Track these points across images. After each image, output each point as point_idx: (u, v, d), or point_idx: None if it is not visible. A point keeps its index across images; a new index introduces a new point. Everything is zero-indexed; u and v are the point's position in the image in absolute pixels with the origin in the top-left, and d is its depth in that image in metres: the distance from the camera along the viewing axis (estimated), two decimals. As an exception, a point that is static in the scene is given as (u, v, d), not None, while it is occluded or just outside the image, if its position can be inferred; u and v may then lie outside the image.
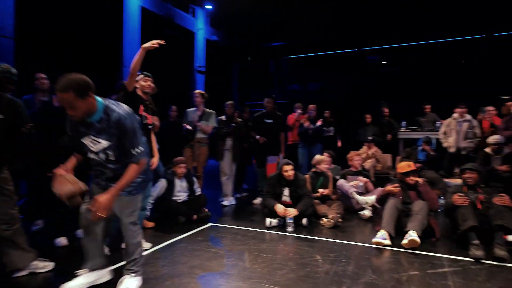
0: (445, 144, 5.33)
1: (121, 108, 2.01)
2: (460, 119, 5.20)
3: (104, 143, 1.99)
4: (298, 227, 3.84)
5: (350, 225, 4.05)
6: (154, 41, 2.78)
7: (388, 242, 3.09)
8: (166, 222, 3.96)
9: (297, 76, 13.47)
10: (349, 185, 4.48)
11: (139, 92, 3.11)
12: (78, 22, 6.81)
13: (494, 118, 5.52)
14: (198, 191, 4.27)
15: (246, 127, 5.40)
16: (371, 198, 4.22)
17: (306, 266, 2.74)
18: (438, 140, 5.69)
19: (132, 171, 2.03)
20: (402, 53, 11.13)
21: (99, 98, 1.99)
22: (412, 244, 2.99)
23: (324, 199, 4.40)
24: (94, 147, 2.02)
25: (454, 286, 2.40)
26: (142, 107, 3.07)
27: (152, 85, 3.15)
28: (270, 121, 4.96)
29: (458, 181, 4.73)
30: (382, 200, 3.58)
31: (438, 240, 3.35)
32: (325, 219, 3.94)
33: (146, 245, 3.16)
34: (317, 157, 4.71)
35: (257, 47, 13.02)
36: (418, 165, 5.47)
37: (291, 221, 3.75)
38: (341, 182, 4.50)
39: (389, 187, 3.51)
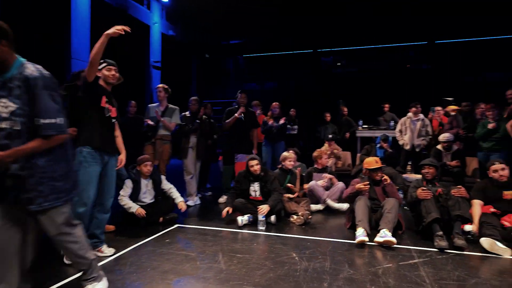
0: (401, 142, 5.64)
1: (39, 70, 1.72)
2: (414, 118, 5.53)
3: (12, 106, 1.68)
4: (266, 224, 3.77)
5: (318, 221, 4.08)
6: (118, 27, 2.52)
7: (367, 238, 3.15)
8: (128, 224, 3.68)
9: (255, 75, 13.49)
10: (322, 190, 4.54)
11: (101, 82, 2.82)
12: (21, 9, 6.10)
13: (442, 117, 5.97)
14: (169, 187, 4.00)
15: (210, 124, 5.24)
16: (345, 206, 4.33)
17: (284, 265, 2.68)
18: (394, 137, 6.00)
19: (35, 143, 1.68)
20: (356, 56, 11.64)
21: (20, 57, 1.75)
22: (388, 244, 3.06)
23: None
24: (5, 111, 1.68)
25: (426, 276, 2.49)
26: (104, 99, 2.78)
27: (117, 74, 2.87)
28: (242, 117, 4.81)
29: (414, 176, 5.04)
30: (351, 197, 3.62)
31: (403, 232, 3.50)
32: (295, 216, 3.93)
33: (108, 250, 2.89)
34: (283, 154, 4.71)
35: (215, 44, 12.81)
36: (378, 162, 5.75)
37: (264, 218, 3.68)
38: (313, 186, 4.52)
39: (360, 185, 3.57)
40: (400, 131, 5.64)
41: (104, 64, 2.78)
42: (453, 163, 4.99)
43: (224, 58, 13.59)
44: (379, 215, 3.39)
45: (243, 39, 12.54)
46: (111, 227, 3.52)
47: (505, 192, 3.52)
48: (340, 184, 4.66)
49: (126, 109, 5.28)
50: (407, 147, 5.51)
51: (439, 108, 5.90)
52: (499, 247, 2.93)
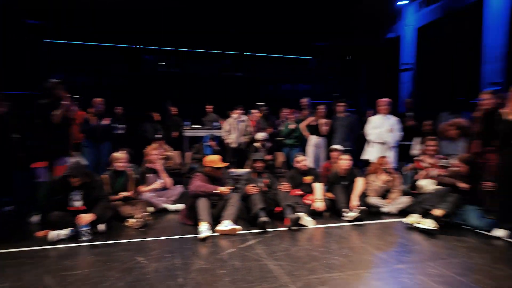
0: (227, 140, 6.22)
1: None
2: (238, 119, 6.23)
3: None
4: (99, 234, 3.40)
5: (158, 221, 3.99)
6: None
7: (211, 231, 3.32)
8: None
9: (64, 65, 11.52)
10: (156, 199, 4.43)
11: None
12: None
13: (258, 119, 6.97)
14: None
15: (11, 121, 4.18)
16: (180, 206, 4.38)
17: (131, 271, 2.51)
18: (221, 136, 6.54)
19: None
20: (178, 57, 11.85)
21: None
22: (233, 232, 3.38)
23: (126, 199, 4.10)
24: None
25: (262, 252, 2.92)
26: None
27: None
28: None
29: (239, 170, 5.67)
30: (202, 195, 3.68)
31: (237, 221, 3.90)
32: (132, 220, 3.70)
33: None
34: (114, 155, 4.35)
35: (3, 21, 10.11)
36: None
37: (86, 228, 3.27)
38: (147, 196, 4.33)
39: (251, 189, 3.85)
40: (228, 131, 6.23)
41: None
42: (268, 157, 5.94)
43: (22, 40, 10.95)
44: (219, 208, 3.66)
45: (46, 21, 10.46)
46: None
47: (305, 178, 4.53)
48: (178, 189, 4.72)
49: None
50: (234, 145, 6.15)
51: (255, 111, 6.88)
52: (307, 220, 3.75)
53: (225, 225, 3.39)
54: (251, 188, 3.90)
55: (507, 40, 7.04)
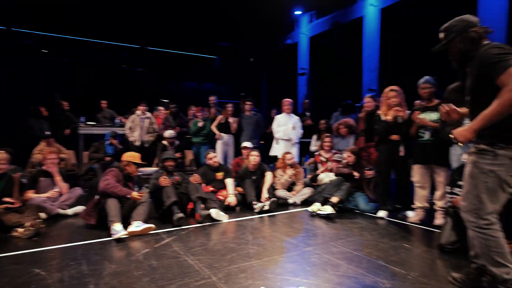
0: (131, 138, 5.82)
1: None
2: (142, 116, 5.89)
3: None
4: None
5: (54, 228, 3.51)
6: None
7: (126, 231, 3.10)
8: None
9: None
10: (49, 203, 3.90)
11: None
12: None
13: (164, 116, 6.71)
14: None
15: None
16: (81, 208, 3.96)
17: (29, 284, 2.18)
18: (123, 134, 6.08)
19: None
20: (65, 45, 10.48)
21: None
22: (146, 231, 3.24)
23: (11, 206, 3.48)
24: None
25: (179, 249, 2.86)
26: None
27: None
28: None
29: (145, 169, 5.40)
30: (104, 195, 3.40)
31: (148, 220, 3.72)
32: (20, 229, 3.17)
33: None
34: (-9, 155, 3.65)
35: None
36: (108, 158, 5.64)
37: None
38: (38, 203, 3.76)
39: (164, 181, 3.79)
40: (130, 128, 5.83)
41: None
42: (177, 155, 5.79)
43: None
44: (128, 208, 3.42)
45: None
46: None
47: (217, 174, 4.59)
48: (76, 191, 4.24)
49: None
50: (137, 143, 5.79)
51: (162, 108, 6.62)
52: (221, 215, 3.81)
53: (136, 225, 3.21)
54: (164, 180, 3.80)
55: (380, 54, 8.42)
